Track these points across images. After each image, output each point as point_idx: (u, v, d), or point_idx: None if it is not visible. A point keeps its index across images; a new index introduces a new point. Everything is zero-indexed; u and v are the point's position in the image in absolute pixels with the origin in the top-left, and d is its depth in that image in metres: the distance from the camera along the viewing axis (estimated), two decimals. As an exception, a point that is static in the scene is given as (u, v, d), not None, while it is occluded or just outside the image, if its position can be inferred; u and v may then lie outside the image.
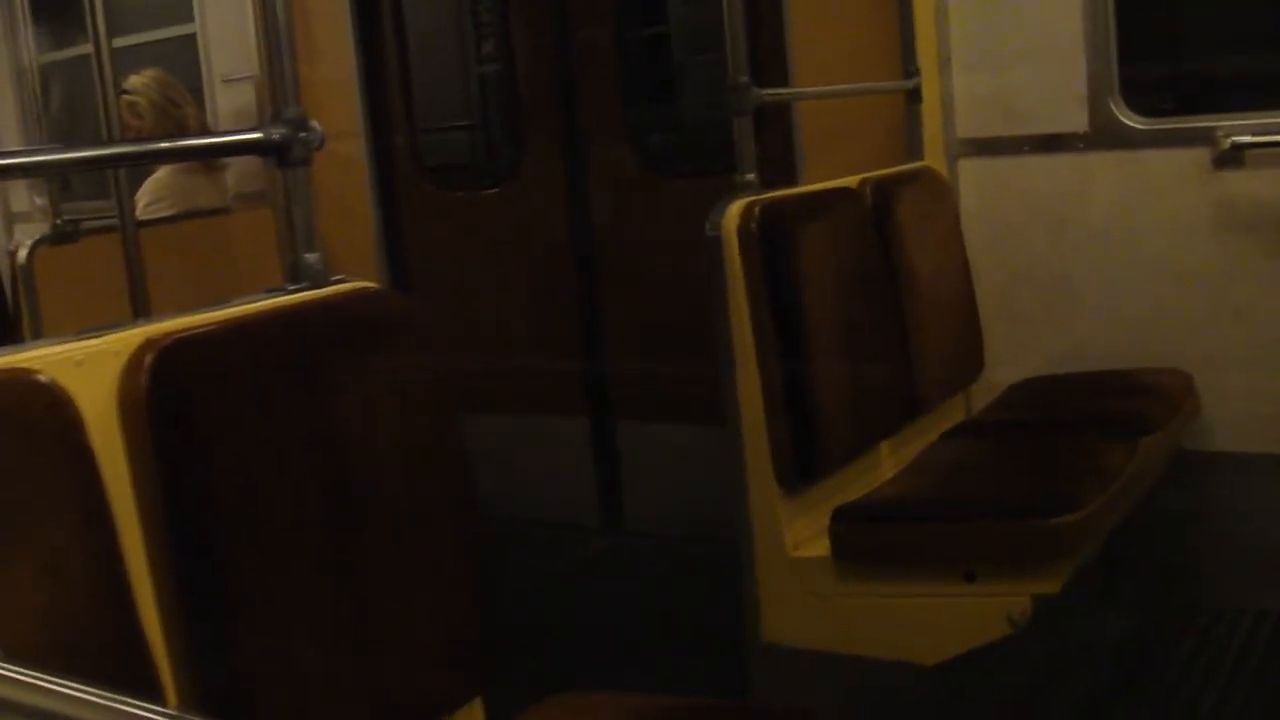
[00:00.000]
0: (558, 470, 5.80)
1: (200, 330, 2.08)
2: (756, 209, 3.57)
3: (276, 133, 2.32)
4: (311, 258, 2.38)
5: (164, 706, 0.95)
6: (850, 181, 4.13)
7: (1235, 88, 4.55)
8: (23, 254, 4.59)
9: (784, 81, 4.82)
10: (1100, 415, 4.02)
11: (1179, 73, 4.92)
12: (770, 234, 3.55)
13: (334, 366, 2.24)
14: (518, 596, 4.70)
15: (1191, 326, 4.40)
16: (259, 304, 2.25)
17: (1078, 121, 4.55)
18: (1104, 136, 4.51)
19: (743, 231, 3.53)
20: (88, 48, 4.55)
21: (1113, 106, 4.48)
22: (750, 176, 3.69)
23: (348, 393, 2.24)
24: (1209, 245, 4.37)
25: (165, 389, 1.97)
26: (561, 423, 5.77)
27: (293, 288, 2.35)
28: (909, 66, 4.64)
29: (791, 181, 4.60)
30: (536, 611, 4.70)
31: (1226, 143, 4.28)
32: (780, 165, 4.68)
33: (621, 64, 5.60)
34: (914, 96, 4.64)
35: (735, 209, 3.55)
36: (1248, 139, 4.27)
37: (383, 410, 2.32)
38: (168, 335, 2.02)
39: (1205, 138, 4.33)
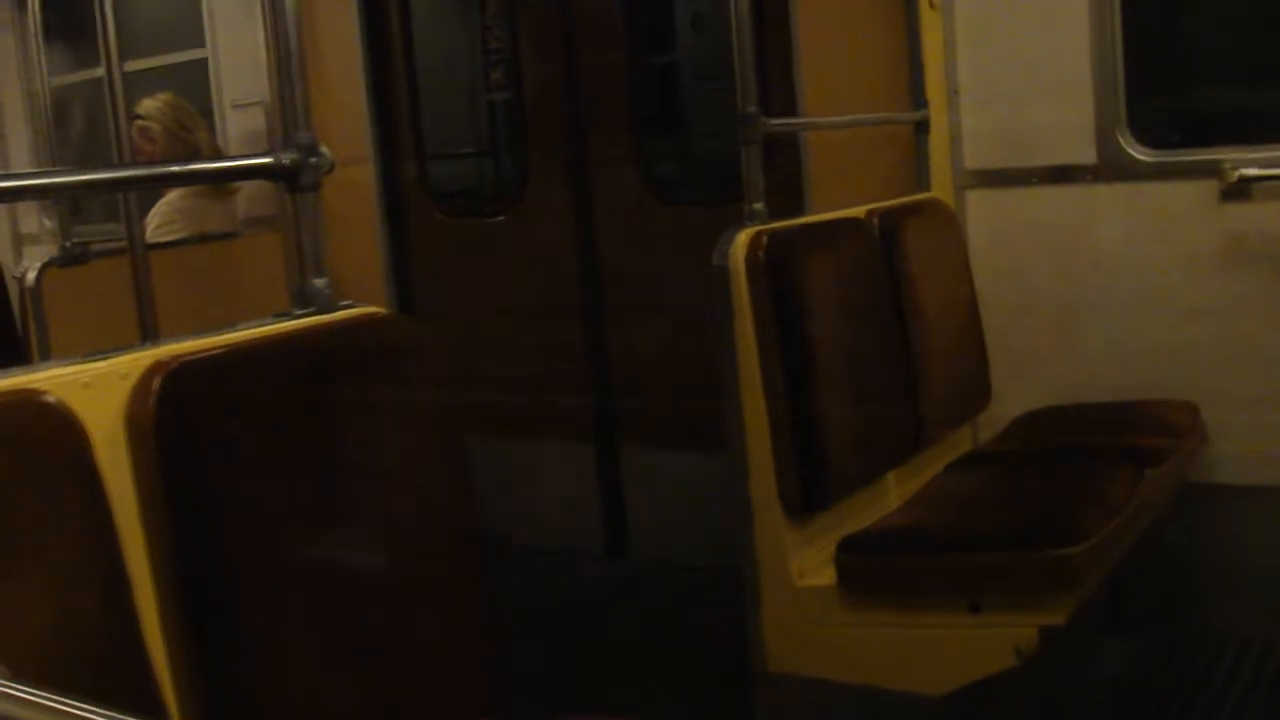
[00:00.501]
0: (563, 496, 5.79)
1: (207, 354, 2.09)
2: (764, 238, 3.57)
3: (286, 157, 2.33)
4: (320, 283, 2.39)
5: (167, 726, 0.95)
6: (858, 212, 4.14)
7: (1242, 121, 4.55)
8: (31, 276, 4.59)
9: (793, 111, 4.83)
10: (1106, 447, 4.02)
11: (1186, 106, 4.92)
12: (777, 263, 3.56)
13: (340, 391, 2.25)
14: (522, 622, 4.70)
15: (1198, 359, 4.40)
16: (266, 328, 2.25)
17: (1085, 154, 4.55)
18: (1111, 169, 4.51)
19: (750, 260, 3.53)
20: (100, 71, 4.57)
21: (1120, 139, 4.49)
22: (758, 206, 3.69)
23: (354, 417, 2.25)
24: (1216, 278, 4.37)
25: (172, 411, 1.98)
26: (567, 449, 5.76)
27: (300, 312, 2.36)
28: (917, 98, 4.66)
29: (799, 212, 4.60)
30: (541, 637, 4.69)
31: (1233, 175, 4.29)
32: (788, 195, 4.68)
33: (630, 92, 5.61)
34: (922, 128, 4.65)
35: (743, 238, 3.56)
36: (1255, 172, 4.27)
37: (389, 435, 2.33)
38: (175, 358, 2.03)
39: (1212, 170, 4.33)
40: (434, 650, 2.35)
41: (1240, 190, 4.32)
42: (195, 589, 1.97)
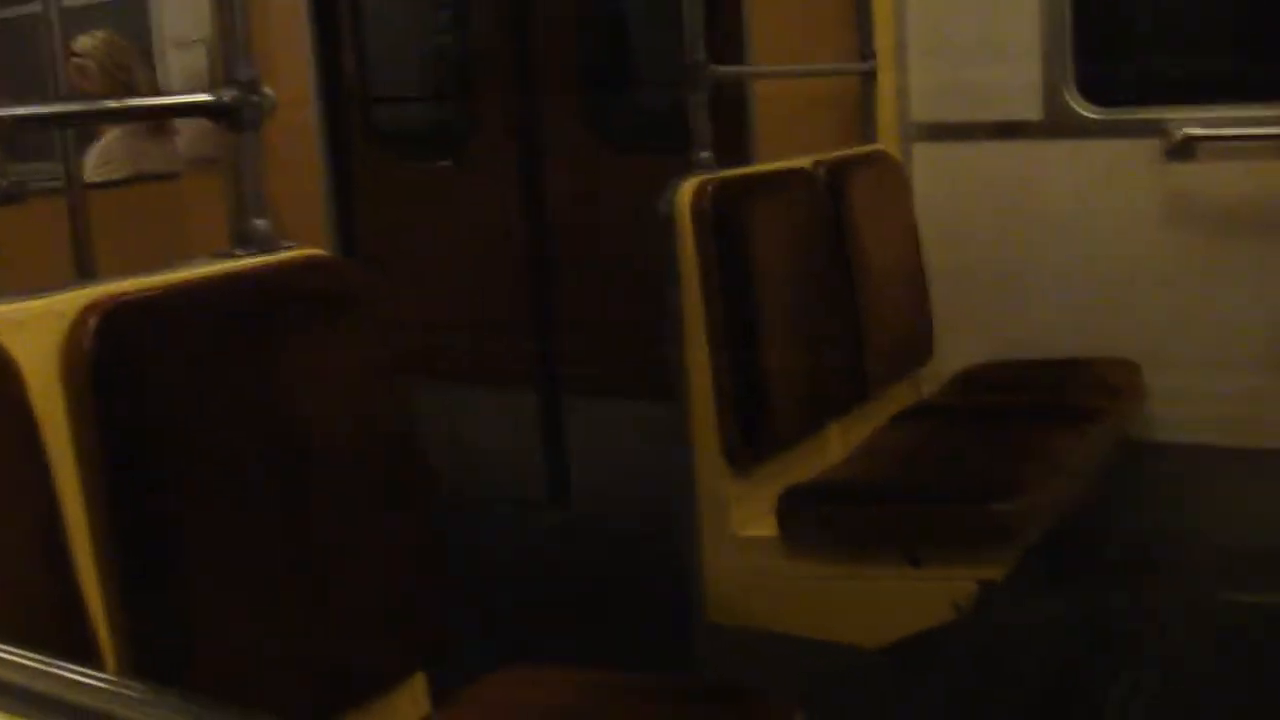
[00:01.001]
0: (506, 444, 5.77)
1: (145, 293, 2.05)
2: (710, 188, 3.55)
3: (227, 95, 2.30)
4: (260, 223, 2.36)
5: (102, 672, 0.93)
6: (804, 162, 4.12)
7: (1188, 80, 4.57)
8: (-35, 215, 4.51)
9: (740, 60, 4.81)
10: (1048, 403, 4.04)
11: (1133, 64, 4.93)
12: (723, 212, 3.54)
13: (281, 333, 2.22)
14: (464, 570, 4.68)
15: (1140, 317, 4.42)
16: (206, 269, 2.22)
17: (1032, 109, 4.56)
18: (1058, 125, 4.52)
19: (696, 210, 3.51)
20: (36, 6, 4.48)
21: (1067, 95, 4.49)
22: (705, 154, 3.67)
23: (294, 359, 2.22)
24: (1159, 236, 4.39)
25: (109, 351, 1.94)
26: (510, 397, 5.74)
27: (240, 253, 2.32)
28: (865, 49, 4.64)
29: (745, 161, 4.59)
30: (482, 586, 4.67)
31: (1178, 134, 4.31)
32: (735, 145, 4.67)
33: (579, 39, 5.57)
34: (870, 79, 4.64)
35: (688, 187, 3.54)
36: (1199, 131, 4.29)
37: (330, 378, 2.30)
38: (112, 298, 2.00)
39: (1157, 129, 4.35)
40: (374, 599, 2.33)
41: (1185, 149, 4.34)
42: (131, 531, 1.95)
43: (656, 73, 5.68)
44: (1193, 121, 4.31)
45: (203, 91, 2.35)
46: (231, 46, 2.33)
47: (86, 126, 5.06)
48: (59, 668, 0.92)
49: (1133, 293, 4.44)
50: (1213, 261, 4.32)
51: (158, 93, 5.94)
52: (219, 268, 2.25)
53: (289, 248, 2.38)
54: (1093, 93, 4.50)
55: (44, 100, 4.76)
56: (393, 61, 6.30)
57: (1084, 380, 4.23)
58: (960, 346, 4.62)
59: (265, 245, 2.35)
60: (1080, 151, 4.52)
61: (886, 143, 4.64)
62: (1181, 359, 4.37)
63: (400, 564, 2.38)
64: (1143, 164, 4.41)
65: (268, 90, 2.34)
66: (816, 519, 3.48)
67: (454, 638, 2.48)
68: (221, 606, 2.06)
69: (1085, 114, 4.49)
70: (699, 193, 3.53)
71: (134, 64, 5.80)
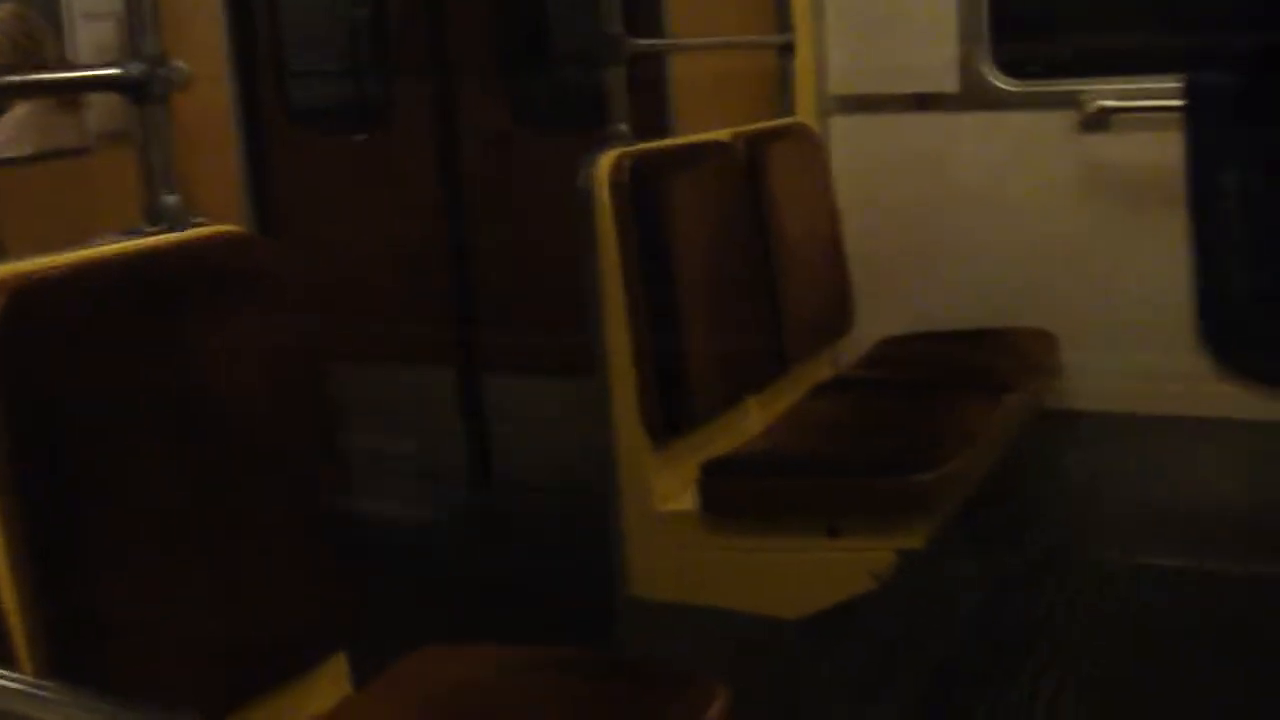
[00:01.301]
0: (425, 422, 5.74)
1: (53, 272, 2.01)
2: (627, 161, 3.54)
3: (134, 69, 2.25)
4: (171, 199, 2.32)
5: (14, 663, 0.91)
6: (723, 136, 4.12)
7: (1102, 52, 4.61)
8: None
9: (658, 33, 4.79)
10: (965, 373, 4.07)
11: (1048, 36, 4.96)
12: (641, 186, 3.53)
13: (192, 311, 2.19)
14: (385, 550, 4.65)
15: (1056, 287, 4.47)
16: (115, 246, 2.18)
17: (949, 82, 4.59)
18: (974, 97, 4.55)
19: (614, 183, 3.50)
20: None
21: (983, 68, 4.52)
22: (622, 127, 3.66)
23: (205, 337, 2.19)
24: (1075, 207, 4.44)
25: (14, 332, 1.90)
26: (429, 374, 5.71)
27: (150, 230, 2.28)
28: (784, 21, 4.64)
29: (664, 135, 4.57)
30: (401, 565, 4.65)
31: (1093, 106, 4.35)
32: (652, 118, 4.65)
33: (495, 11, 5.53)
34: (788, 51, 4.64)
35: (606, 161, 3.52)
36: (1113, 103, 4.34)
37: (244, 357, 2.27)
38: (19, 276, 1.96)
39: (1072, 101, 4.39)
40: (290, 580, 2.31)
41: (1099, 121, 4.38)
42: (39, 517, 1.91)
43: (574, 46, 5.66)
44: (1107, 93, 4.35)
45: (108, 63, 2.31)
46: (139, 19, 2.28)
47: (-8, 101, 4.97)
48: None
49: (1048, 263, 4.48)
50: (1127, 231, 4.36)
51: (67, 67, 5.84)
52: (129, 245, 2.21)
53: (200, 224, 2.35)
54: (1008, 65, 4.53)
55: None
56: (309, 36, 6.23)
57: (1000, 351, 4.26)
58: (878, 318, 4.64)
59: (176, 221, 2.31)
60: (996, 123, 4.55)
61: (804, 116, 4.64)
62: (1096, 328, 4.42)
63: (316, 545, 2.35)
64: (1058, 135, 4.45)
65: (179, 64, 2.30)
66: (735, 492, 3.48)
67: (373, 618, 2.46)
68: (136, 591, 2.03)
69: (1001, 86, 4.52)
70: (617, 166, 3.52)
71: (44, 37, 5.70)
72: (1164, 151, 4.23)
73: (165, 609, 2.07)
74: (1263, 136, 1.46)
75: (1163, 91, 4.21)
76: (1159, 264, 4.25)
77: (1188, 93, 1.52)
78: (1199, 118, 1.54)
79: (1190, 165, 1.52)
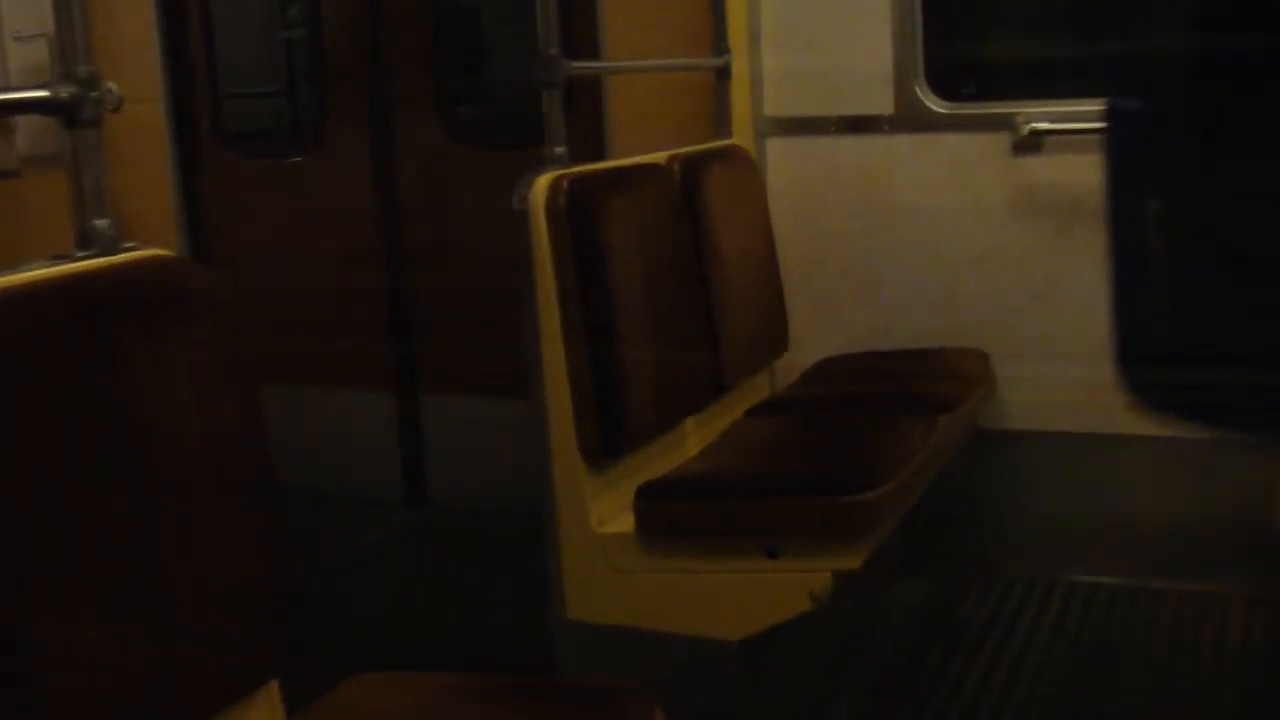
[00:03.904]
0: (361, 445, 5.71)
1: (-21, 297, 1.99)
2: (564, 183, 3.54)
3: (65, 91, 2.23)
4: (102, 223, 2.29)
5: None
6: (659, 158, 4.13)
7: (1035, 75, 4.65)
8: None
9: (595, 55, 4.80)
10: (900, 394, 4.09)
11: (982, 59, 5.01)
12: (578, 208, 3.53)
13: (123, 337, 2.16)
14: (318, 574, 4.62)
15: (990, 308, 4.50)
16: (43, 271, 2.15)
17: (883, 104, 4.62)
18: (908, 119, 4.58)
19: (550, 205, 3.50)
20: None
21: (917, 90, 4.56)
22: (559, 149, 3.65)
23: (138, 365, 2.16)
24: (1008, 228, 4.47)
25: (-61, 359, 1.88)
26: (365, 397, 5.68)
27: (81, 254, 2.26)
28: (719, 44, 4.66)
29: (600, 157, 4.58)
30: (337, 589, 4.63)
31: (1025, 129, 4.39)
32: (589, 140, 4.66)
33: (431, 32, 5.52)
34: (724, 74, 4.67)
35: (543, 182, 3.52)
36: (1045, 125, 4.39)
37: (176, 384, 2.25)
38: (-57, 302, 1.93)
39: (1005, 123, 4.44)
40: (224, 606, 2.28)
41: (1032, 143, 4.43)
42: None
43: (510, 68, 5.66)
44: (1039, 116, 4.40)
45: (38, 85, 2.28)
46: (70, 41, 2.26)
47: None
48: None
49: (983, 283, 4.52)
50: (1059, 252, 4.41)
51: (-3, 88, 5.78)
52: (58, 270, 2.18)
53: (131, 248, 2.32)
54: (942, 88, 4.57)
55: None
56: (243, 57, 6.20)
57: (936, 370, 4.29)
58: (815, 339, 4.66)
59: (107, 246, 2.29)
60: (930, 145, 4.58)
61: (740, 137, 4.66)
62: (1030, 348, 4.46)
63: (249, 571, 2.33)
64: (991, 157, 4.49)
65: (110, 86, 2.28)
66: (672, 514, 3.48)
67: (308, 644, 2.44)
68: (65, 621, 2.00)
69: (935, 108, 4.56)
70: (554, 188, 3.52)
71: (-24, 59, 5.64)
72: (1095, 173, 4.31)
73: (94, 639, 2.04)
74: (1178, 159, 1.47)
75: (1092, 114, 4.27)
76: (1090, 284, 4.31)
77: (1107, 115, 1.53)
78: (1117, 140, 1.55)
79: (1109, 187, 1.53)
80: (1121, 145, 1.53)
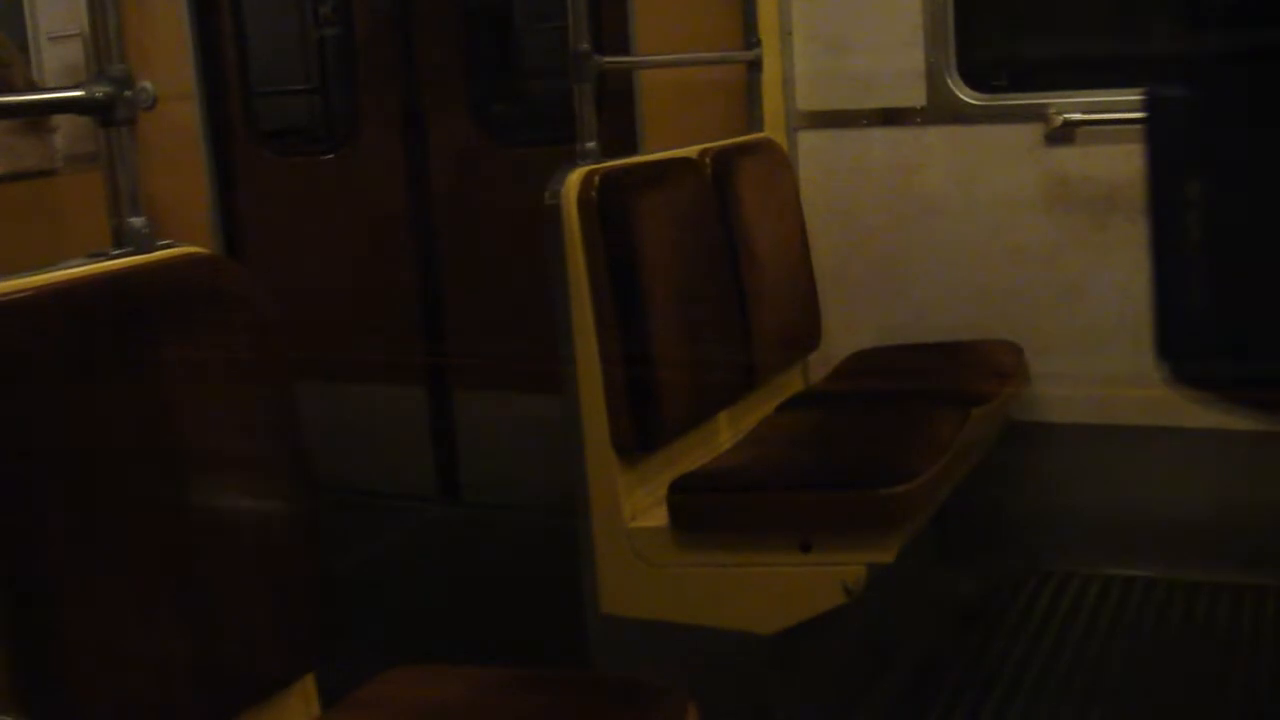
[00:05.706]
0: (396, 440, 5.73)
1: (17, 295, 2.01)
2: (596, 178, 3.54)
3: (99, 90, 2.24)
4: (137, 221, 2.31)
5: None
6: (690, 152, 4.13)
7: (1067, 66, 4.63)
8: None
9: (626, 50, 4.80)
10: (933, 386, 4.08)
11: (1014, 50, 4.99)
12: (609, 203, 3.53)
13: (159, 333, 2.18)
14: (353, 569, 4.65)
15: (1022, 300, 4.49)
16: (80, 269, 2.17)
17: (915, 96, 4.60)
18: (941, 111, 4.57)
19: (582, 200, 3.50)
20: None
21: (949, 82, 4.54)
22: (591, 145, 3.66)
23: (172, 360, 2.18)
24: (1040, 220, 4.46)
25: (-22, 356, 1.90)
26: (399, 392, 5.70)
27: (116, 252, 2.28)
28: (750, 38, 4.66)
29: (632, 151, 4.58)
30: (373, 583, 4.65)
31: (1058, 120, 4.37)
32: (621, 135, 4.66)
33: (463, 29, 5.53)
34: (755, 68, 4.66)
35: (575, 178, 3.53)
36: (1078, 116, 4.37)
37: (212, 380, 2.27)
38: (-19, 300, 1.95)
39: (1038, 114, 4.42)
40: (261, 600, 2.30)
41: (1064, 134, 4.40)
42: (5, 547, 1.90)
43: (542, 64, 5.66)
44: (1072, 106, 4.38)
45: (73, 85, 2.30)
46: (104, 41, 2.28)
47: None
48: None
49: (1016, 275, 4.50)
50: (1093, 244, 4.39)
51: (34, 87, 5.82)
52: (94, 268, 2.20)
53: (166, 246, 2.34)
54: (974, 79, 4.56)
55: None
56: (276, 55, 6.23)
57: (969, 363, 4.28)
58: (847, 332, 4.65)
59: (142, 244, 2.30)
60: (963, 137, 4.57)
61: (772, 131, 4.66)
62: (1064, 340, 4.44)
63: (284, 565, 2.35)
64: (1024, 149, 4.47)
65: (145, 85, 2.30)
66: (706, 507, 3.48)
67: (343, 637, 2.45)
68: (104, 618, 2.02)
69: (967, 100, 4.54)
70: (585, 183, 3.53)
71: (11, 59, 5.68)
72: (1127, 163, 4.30)
73: (132, 634, 2.06)
74: (1220, 148, 1.47)
75: (1126, 104, 4.25)
76: (1124, 276, 4.29)
77: (1147, 104, 1.52)
78: (1158, 129, 1.54)
79: (1150, 177, 1.52)
80: (1162, 134, 1.52)
